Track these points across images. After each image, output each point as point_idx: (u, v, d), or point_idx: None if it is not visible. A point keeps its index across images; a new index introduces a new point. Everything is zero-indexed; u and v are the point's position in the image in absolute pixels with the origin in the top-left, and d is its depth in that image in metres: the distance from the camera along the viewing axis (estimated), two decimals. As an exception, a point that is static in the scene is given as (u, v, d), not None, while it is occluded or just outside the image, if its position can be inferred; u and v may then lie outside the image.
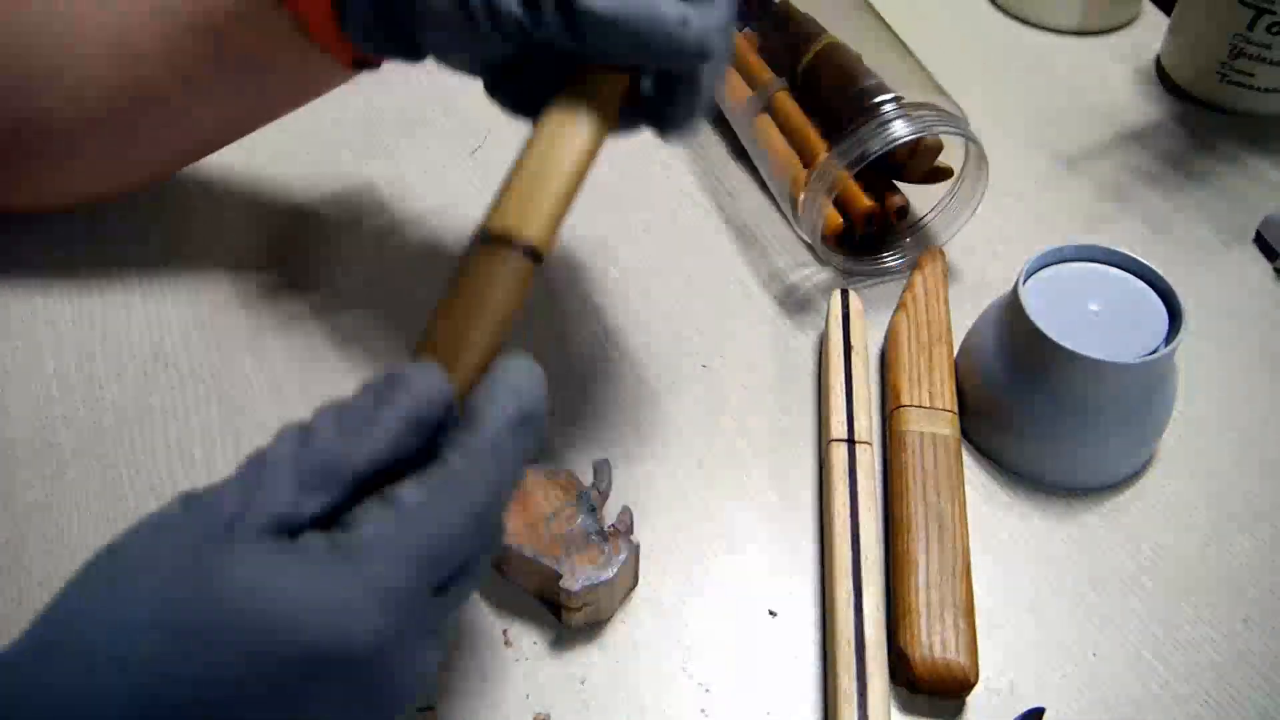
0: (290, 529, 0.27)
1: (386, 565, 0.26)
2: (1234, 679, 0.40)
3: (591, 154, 0.34)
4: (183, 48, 0.43)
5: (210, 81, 0.44)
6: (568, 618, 0.40)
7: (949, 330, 0.49)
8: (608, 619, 0.41)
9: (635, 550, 0.40)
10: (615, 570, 0.39)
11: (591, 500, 0.41)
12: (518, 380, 0.30)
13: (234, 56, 0.43)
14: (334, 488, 0.27)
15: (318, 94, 0.47)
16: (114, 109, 0.45)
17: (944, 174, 0.55)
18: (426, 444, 0.29)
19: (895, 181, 0.55)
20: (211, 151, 0.52)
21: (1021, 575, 0.43)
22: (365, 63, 0.43)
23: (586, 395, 0.48)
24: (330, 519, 0.28)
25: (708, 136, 0.62)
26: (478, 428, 0.29)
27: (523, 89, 0.38)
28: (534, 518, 0.40)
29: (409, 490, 0.27)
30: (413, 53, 0.40)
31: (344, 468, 0.27)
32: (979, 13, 0.72)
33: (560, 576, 0.38)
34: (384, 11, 0.38)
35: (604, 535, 0.40)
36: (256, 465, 0.27)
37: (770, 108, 0.56)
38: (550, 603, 0.41)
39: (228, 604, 0.25)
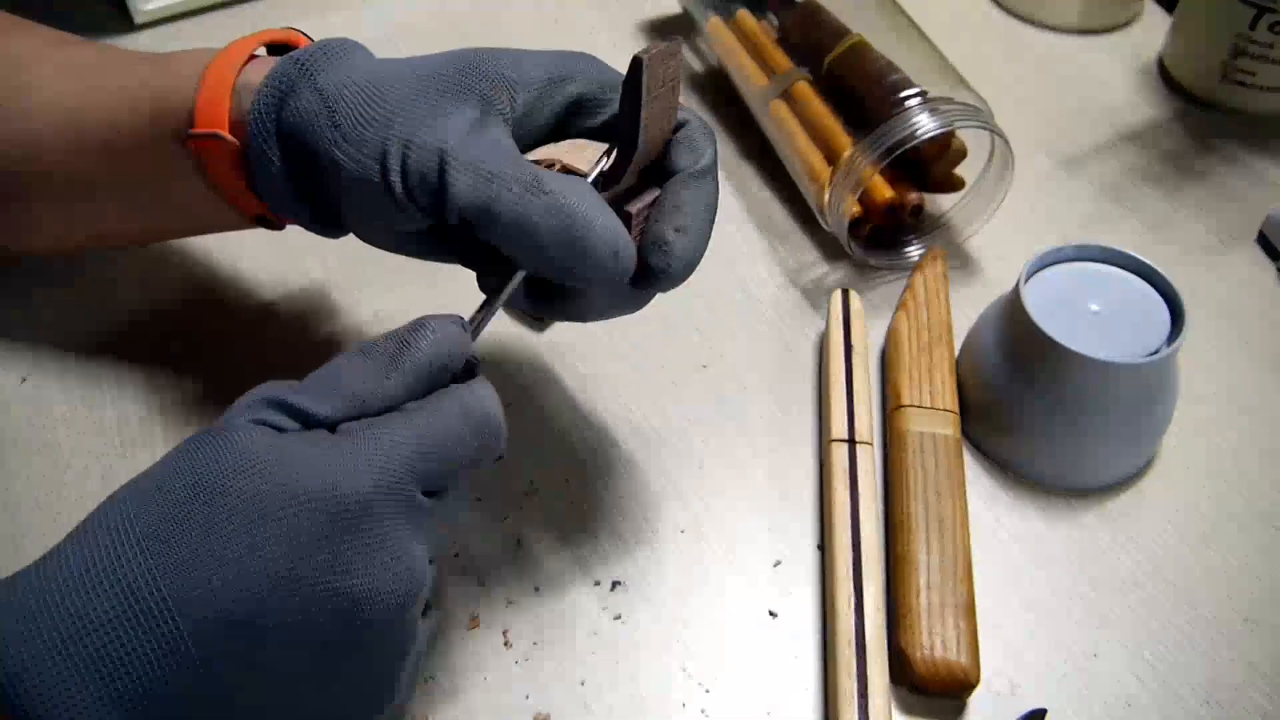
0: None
1: (379, 447, 0.29)
2: (1234, 679, 0.40)
3: None
4: (83, 157, 0.41)
5: (106, 196, 0.43)
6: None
7: (950, 330, 0.49)
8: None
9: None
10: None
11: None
12: None
13: (133, 180, 0.42)
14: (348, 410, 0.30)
15: (225, 229, 0.45)
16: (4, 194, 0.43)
17: (958, 184, 0.55)
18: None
19: (914, 184, 0.55)
20: (109, 246, 0.51)
21: (1022, 575, 0.43)
22: (267, 221, 0.41)
23: (587, 396, 0.49)
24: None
25: (716, 136, 0.62)
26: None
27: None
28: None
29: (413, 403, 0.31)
30: (331, 224, 0.38)
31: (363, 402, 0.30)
32: (979, 10, 0.71)
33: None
34: (299, 177, 0.37)
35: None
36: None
37: (789, 96, 0.56)
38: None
39: (225, 462, 0.28)
